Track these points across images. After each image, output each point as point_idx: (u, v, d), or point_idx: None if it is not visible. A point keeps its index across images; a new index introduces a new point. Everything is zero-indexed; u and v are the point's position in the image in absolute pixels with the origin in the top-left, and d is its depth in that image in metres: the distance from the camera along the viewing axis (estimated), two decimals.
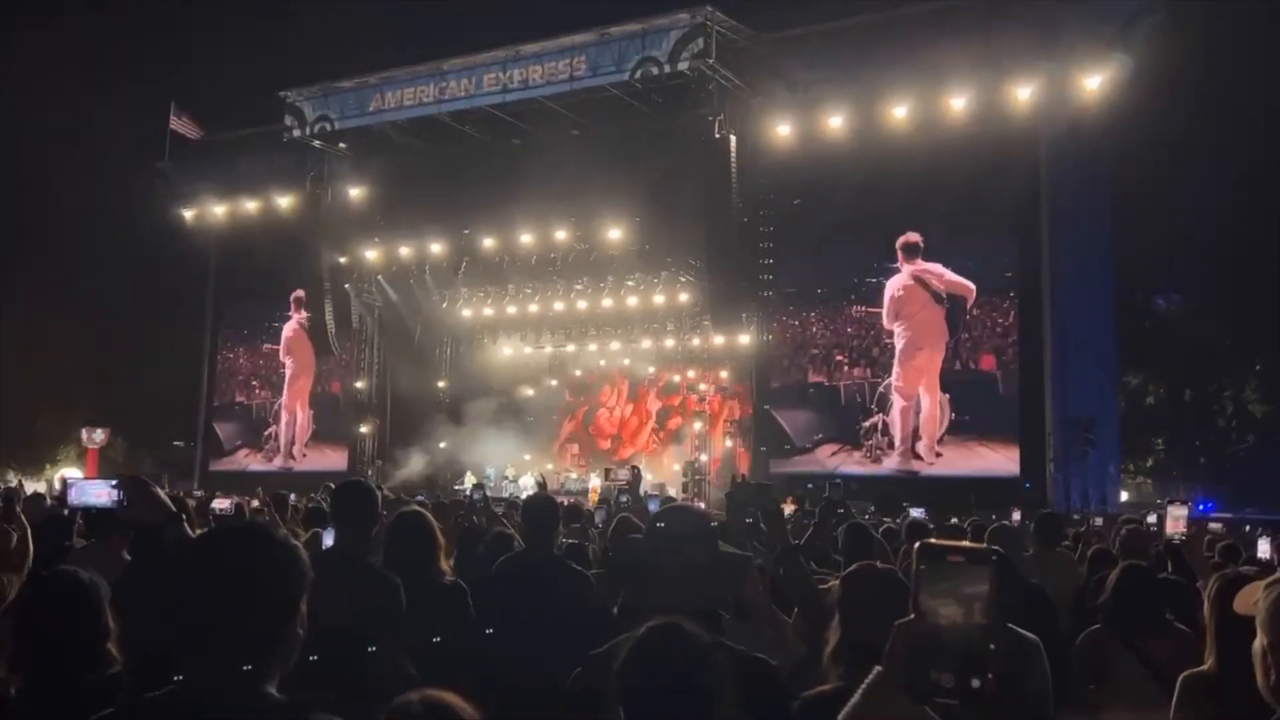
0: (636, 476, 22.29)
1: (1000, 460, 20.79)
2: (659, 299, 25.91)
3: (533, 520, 5.14)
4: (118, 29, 33.41)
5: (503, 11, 31.46)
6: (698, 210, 22.35)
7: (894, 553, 6.56)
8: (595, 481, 24.29)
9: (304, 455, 29.45)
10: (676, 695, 2.07)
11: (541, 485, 9.91)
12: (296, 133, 26.34)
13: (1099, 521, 13.01)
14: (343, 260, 27.32)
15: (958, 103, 20.21)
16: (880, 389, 22.18)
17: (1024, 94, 19.87)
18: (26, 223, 32.38)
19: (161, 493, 3.30)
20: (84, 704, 2.49)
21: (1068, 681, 4.31)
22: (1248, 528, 14.22)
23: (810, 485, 19.34)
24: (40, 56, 32.17)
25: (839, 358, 22.75)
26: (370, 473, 25.85)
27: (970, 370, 21.43)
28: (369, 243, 26.89)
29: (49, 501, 9.97)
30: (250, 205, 28.79)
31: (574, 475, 26.58)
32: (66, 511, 6.12)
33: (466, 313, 28.43)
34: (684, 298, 25.73)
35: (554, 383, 30.20)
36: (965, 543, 1.66)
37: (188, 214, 29.78)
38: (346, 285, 27.82)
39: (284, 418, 29.90)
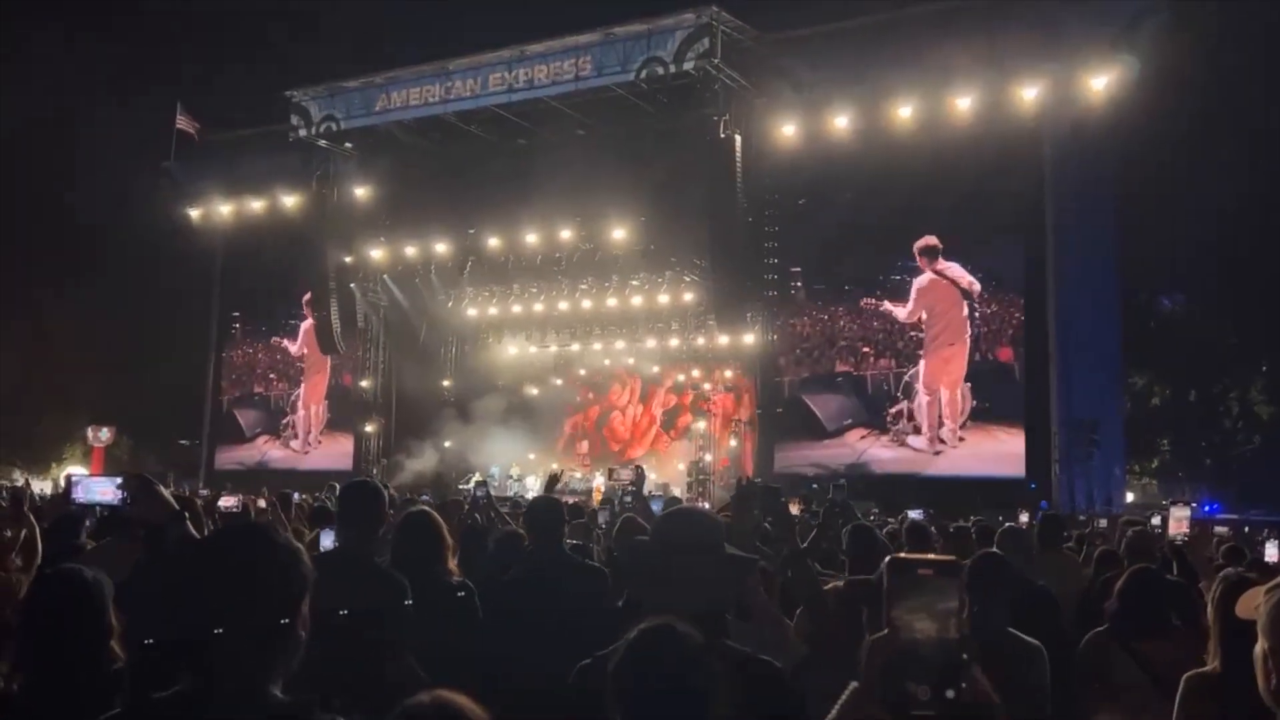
0: (640, 476, 22.23)
1: (1020, 444, 21.02)
2: (664, 299, 25.93)
3: (536, 521, 5.15)
4: (124, 29, 33.46)
5: (508, 11, 31.46)
6: (702, 210, 22.36)
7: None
8: (599, 481, 24.27)
9: (319, 443, 29.82)
10: (670, 696, 2.09)
11: (554, 480, 9.84)
12: (302, 132, 26.36)
13: (1103, 523, 12.98)
14: (348, 260, 27.36)
15: (962, 103, 20.21)
16: (906, 378, 22.40)
17: (1029, 94, 19.87)
18: (32, 222, 32.47)
19: (165, 491, 3.32)
20: (86, 702, 2.50)
21: (1068, 683, 4.32)
22: (1248, 529, 14.21)
23: (815, 486, 19.35)
24: (46, 56, 32.23)
25: (865, 349, 23.08)
26: (375, 471, 25.88)
27: (990, 360, 21.63)
28: (374, 242, 26.94)
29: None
30: (256, 205, 28.84)
31: (578, 475, 26.57)
32: (74, 509, 6.13)
33: (472, 312, 28.47)
34: (689, 297, 25.74)
35: (559, 382, 30.21)
36: (932, 555, 1.68)
37: (193, 213, 29.83)
38: (352, 285, 27.87)
39: (300, 411, 30.20)
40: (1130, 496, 26.12)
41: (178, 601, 2.08)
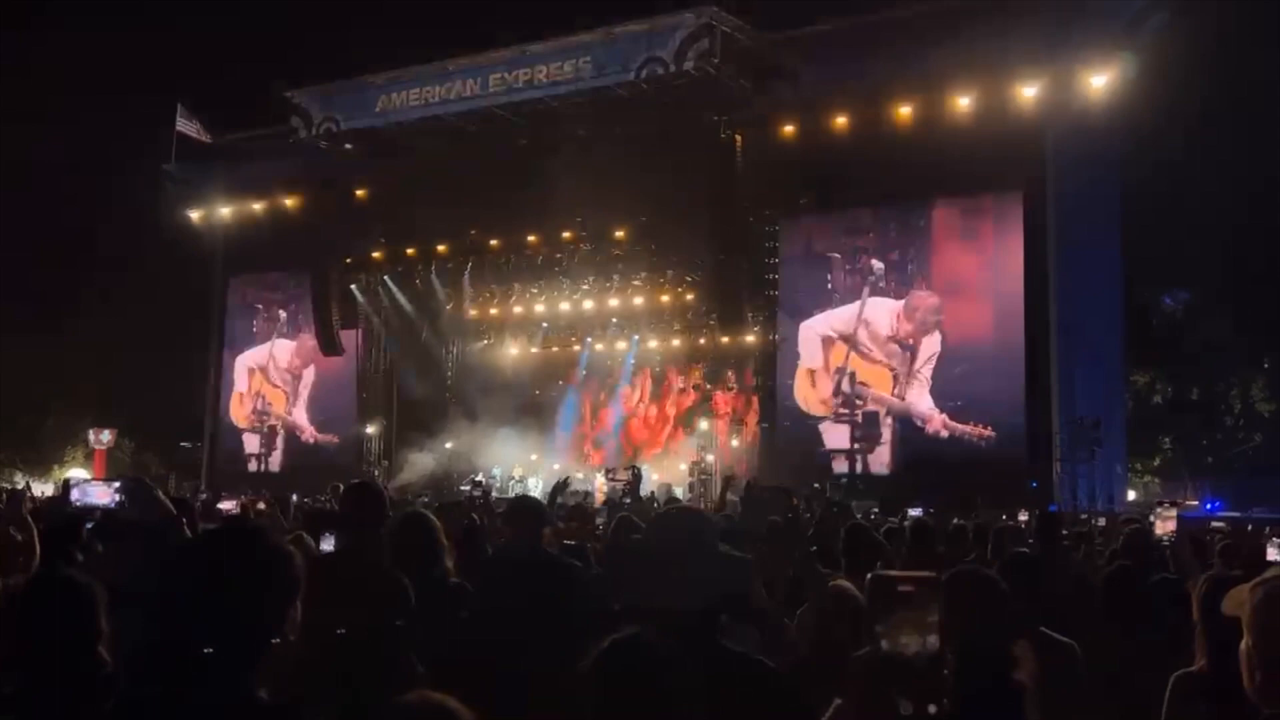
0: (637, 477, 22.26)
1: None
2: (665, 298, 25.93)
3: (513, 517, 5.18)
4: (124, 31, 33.51)
5: (508, 12, 31.46)
6: (703, 209, 22.37)
7: (897, 552, 6.60)
8: (600, 481, 24.26)
9: (320, 444, 29.76)
10: (640, 709, 2.10)
11: (561, 486, 9.77)
12: (303, 133, 26.31)
13: (1102, 521, 12.98)
14: (349, 260, 27.36)
15: (963, 102, 20.21)
16: (904, 375, 22.39)
17: (1030, 92, 19.87)
18: (33, 224, 32.50)
19: (161, 494, 3.34)
20: (78, 704, 2.51)
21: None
22: (1250, 526, 14.18)
23: (816, 485, 19.36)
24: (47, 58, 32.27)
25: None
26: (376, 473, 25.88)
27: (992, 355, 21.54)
28: (375, 243, 26.95)
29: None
30: (257, 206, 28.86)
31: (580, 476, 26.52)
32: (73, 511, 6.16)
33: (473, 312, 28.47)
34: (690, 297, 25.74)
35: (560, 382, 30.18)
36: (914, 572, 1.70)
37: (194, 215, 29.88)
38: (352, 285, 27.87)
39: (301, 412, 30.20)
40: (1132, 494, 26.08)
41: (168, 603, 2.09)
